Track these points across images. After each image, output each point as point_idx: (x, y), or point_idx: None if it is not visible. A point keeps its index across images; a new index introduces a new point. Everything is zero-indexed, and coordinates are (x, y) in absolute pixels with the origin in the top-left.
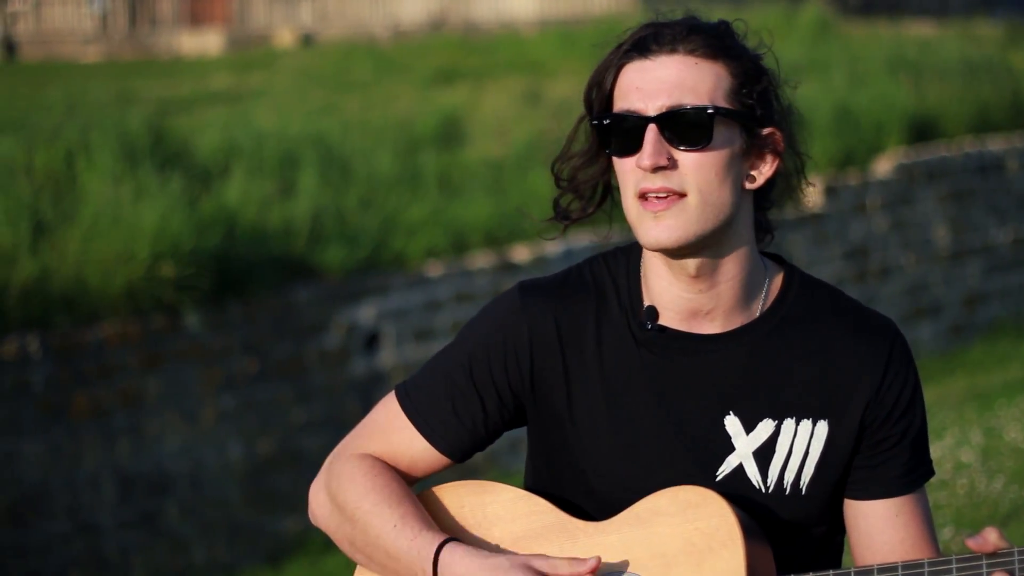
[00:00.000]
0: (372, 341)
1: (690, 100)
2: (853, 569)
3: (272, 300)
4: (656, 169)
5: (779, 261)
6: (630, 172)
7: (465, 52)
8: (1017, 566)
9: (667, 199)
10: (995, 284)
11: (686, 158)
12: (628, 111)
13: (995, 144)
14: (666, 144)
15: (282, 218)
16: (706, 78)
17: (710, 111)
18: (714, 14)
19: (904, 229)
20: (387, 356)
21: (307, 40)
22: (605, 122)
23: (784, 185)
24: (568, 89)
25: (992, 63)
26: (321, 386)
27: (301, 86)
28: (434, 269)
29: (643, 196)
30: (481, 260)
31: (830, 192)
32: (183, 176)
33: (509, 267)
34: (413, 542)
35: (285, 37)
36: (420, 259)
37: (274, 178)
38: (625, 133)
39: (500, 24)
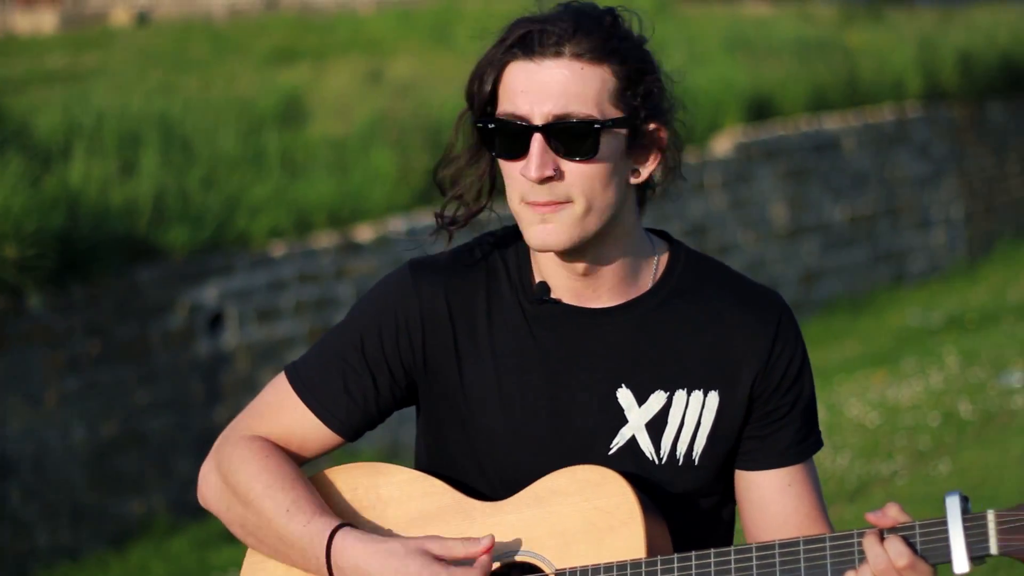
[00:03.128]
0: (216, 322)
1: (577, 109)
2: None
3: (115, 281)
4: (542, 180)
5: (666, 238)
6: (515, 176)
7: (302, 31)
8: (919, 539)
9: (553, 206)
10: (831, 261)
11: (572, 168)
12: (514, 117)
13: (831, 123)
14: (552, 153)
15: (124, 198)
16: (592, 84)
17: (596, 125)
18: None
19: (742, 207)
20: (231, 337)
21: (143, 19)
22: (490, 126)
23: (663, 176)
24: (408, 68)
25: (828, 42)
26: (165, 367)
27: (139, 65)
28: (277, 249)
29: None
30: (324, 240)
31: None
32: (22, 156)
33: (353, 247)
34: (306, 527)
35: (120, 16)
36: (263, 239)
37: (115, 158)
38: (510, 138)
39: (336, 3)
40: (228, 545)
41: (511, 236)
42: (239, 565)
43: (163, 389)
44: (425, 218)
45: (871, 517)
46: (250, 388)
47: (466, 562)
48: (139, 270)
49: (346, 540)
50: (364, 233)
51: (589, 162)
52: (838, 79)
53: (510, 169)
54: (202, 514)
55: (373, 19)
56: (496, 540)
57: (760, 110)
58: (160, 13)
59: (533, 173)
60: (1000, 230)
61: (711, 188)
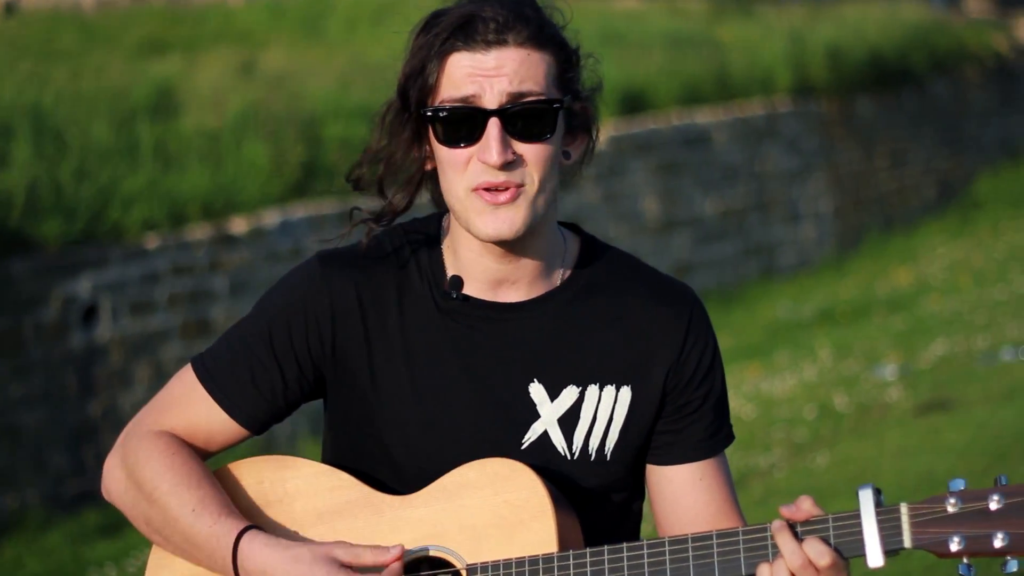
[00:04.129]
0: (89, 314)
1: (531, 91)
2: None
3: None
4: (502, 165)
5: (576, 230)
6: (462, 163)
7: (173, 22)
8: (832, 533)
9: (508, 193)
10: (702, 255)
11: (528, 150)
12: (466, 102)
13: (702, 117)
14: (509, 137)
15: None
16: (539, 68)
17: (556, 104)
18: None
19: (615, 200)
20: (104, 329)
21: (10, 9)
22: (441, 113)
23: (582, 157)
24: (280, 60)
25: (698, 37)
26: (38, 360)
27: (8, 56)
28: (151, 241)
29: (478, 188)
30: (198, 232)
31: None
32: None
33: (227, 239)
34: (212, 528)
35: None
36: (137, 231)
37: None
38: (461, 124)
39: None
40: (104, 539)
41: (421, 228)
42: (115, 560)
43: (36, 382)
44: (299, 210)
45: (785, 511)
46: (124, 381)
47: (375, 569)
48: (12, 262)
49: (253, 543)
50: (238, 225)
51: (545, 143)
52: (709, 73)
53: (458, 156)
54: (77, 508)
55: (244, 10)
56: (405, 534)
57: (632, 104)
58: (28, 3)
59: (495, 157)
60: (868, 224)
61: (584, 181)
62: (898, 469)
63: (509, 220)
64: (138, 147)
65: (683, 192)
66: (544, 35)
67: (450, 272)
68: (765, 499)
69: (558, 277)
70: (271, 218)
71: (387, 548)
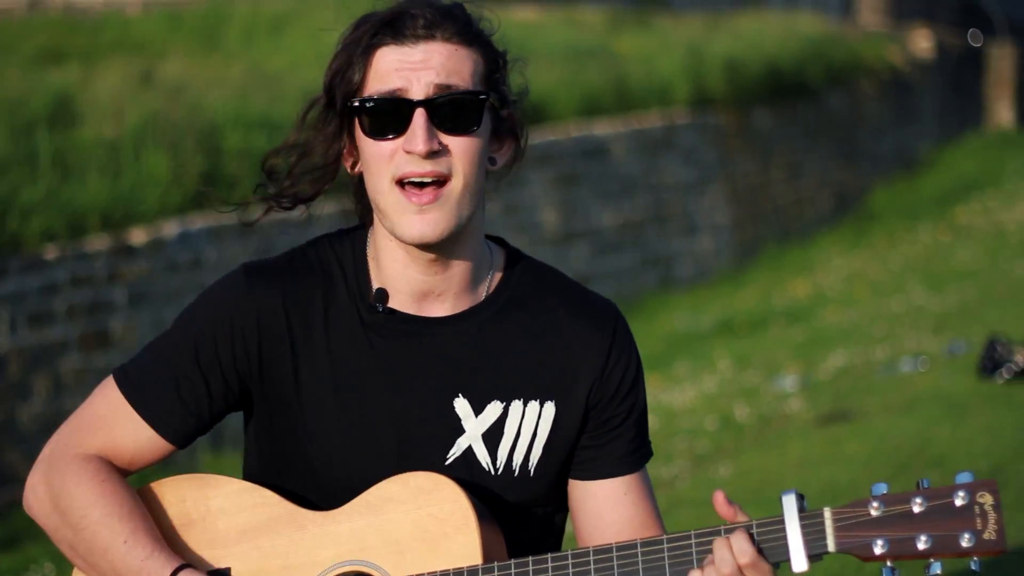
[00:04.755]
0: None
1: (457, 84)
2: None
3: None
4: (428, 155)
5: (501, 244)
6: (387, 156)
7: (69, 31)
8: (756, 539)
9: (433, 192)
10: (601, 266)
11: (454, 142)
12: (392, 95)
13: (601, 128)
14: (435, 128)
15: None
16: (466, 64)
17: (482, 96)
18: (324, 3)
19: (514, 212)
20: (2, 341)
21: None
22: (368, 105)
23: (509, 164)
24: (179, 70)
25: (596, 48)
26: None
27: None
28: (50, 252)
29: (401, 184)
30: (98, 243)
31: None
32: None
33: (126, 250)
34: (144, 563)
35: None
36: (36, 242)
37: None
38: (387, 116)
39: (103, 3)
40: (1, 553)
41: (347, 241)
42: (14, 574)
43: None
44: (199, 221)
45: (722, 511)
46: (22, 393)
47: None
48: None
49: None
50: (138, 236)
51: (470, 136)
52: (607, 85)
53: (383, 149)
54: None
55: (141, 20)
56: (329, 550)
57: (532, 115)
58: None
59: (421, 146)
60: (765, 236)
61: (484, 192)
62: (801, 480)
63: (433, 221)
64: (36, 157)
65: (581, 203)
66: (471, 33)
67: (375, 285)
68: (668, 510)
69: (483, 291)
70: (170, 229)
71: None
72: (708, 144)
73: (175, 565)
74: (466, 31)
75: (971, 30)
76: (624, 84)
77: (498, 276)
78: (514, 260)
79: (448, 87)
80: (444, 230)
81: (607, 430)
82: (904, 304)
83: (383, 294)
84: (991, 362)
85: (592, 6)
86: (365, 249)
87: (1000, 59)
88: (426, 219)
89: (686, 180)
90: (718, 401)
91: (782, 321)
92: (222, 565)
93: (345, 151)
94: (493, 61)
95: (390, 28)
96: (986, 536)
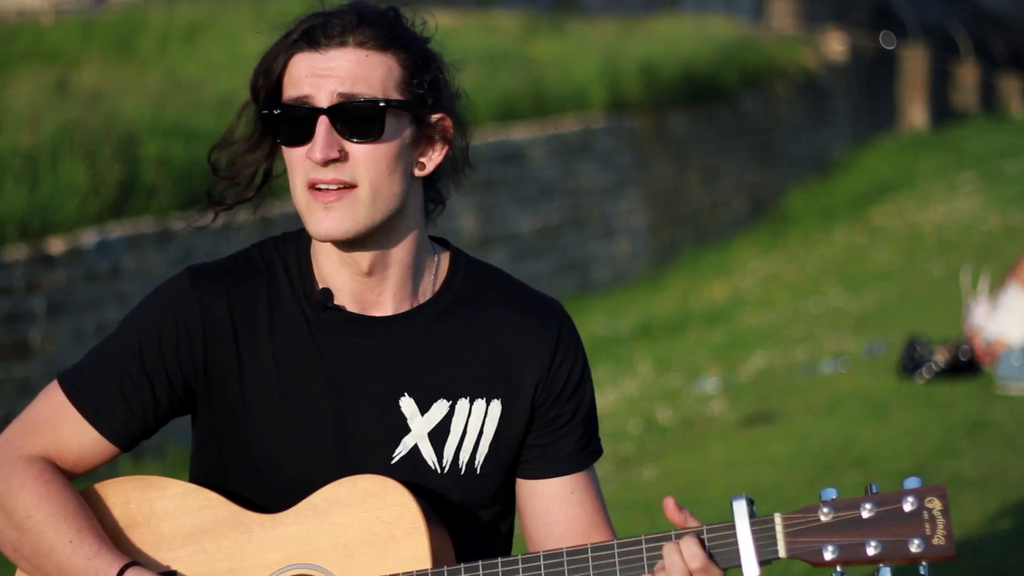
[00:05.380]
0: None
1: (362, 92)
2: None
3: None
4: (328, 162)
5: (445, 244)
6: (300, 162)
7: None
8: (707, 544)
9: (338, 190)
10: (520, 271)
11: (357, 150)
12: (299, 102)
13: (517, 133)
14: (337, 136)
15: None
16: (377, 70)
17: (381, 104)
18: (235, 3)
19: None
20: None
21: None
22: (276, 112)
23: (450, 168)
24: (94, 78)
25: (512, 53)
26: None
27: None
28: None
29: (313, 186)
30: (15, 252)
31: None
32: None
33: (45, 259)
34: (90, 562)
35: None
36: None
37: None
38: (295, 123)
39: (15, 12)
40: None
41: (291, 243)
42: None
43: None
44: (118, 229)
45: (673, 517)
46: None
47: None
48: None
49: None
50: (56, 246)
51: (374, 144)
52: (523, 90)
53: (295, 155)
54: None
55: (55, 28)
56: (276, 553)
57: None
58: None
59: (318, 154)
60: (682, 239)
61: None
62: (725, 482)
63: (338, 220)
64: None
65: (499, 208)
66: (389, 38)
67: (319, 285)
68: None
69: (427, 291)
70: (89, 238)
71: None
72: (624, 148)
73: (122, 563)
74: (383, 36)
75: (883, 32)
76: (540, 89)
77: (442, 276)
78: (458, 260)
79: (352, 95)
80: (350, 229)
81: (554, 428)
82: (822, 305)
83: (327, 294)
84: (911, 362)
85: (507, 11)
86: (309, 251)
87: (912, 61)
88: (331, 216)
89: (603, 184)
90: (640, 404)
91: (701, 324)
92: (168, 568)
93: (276, 154)
94: (414, 65)
95: (308, 35)
96: (935, 541)
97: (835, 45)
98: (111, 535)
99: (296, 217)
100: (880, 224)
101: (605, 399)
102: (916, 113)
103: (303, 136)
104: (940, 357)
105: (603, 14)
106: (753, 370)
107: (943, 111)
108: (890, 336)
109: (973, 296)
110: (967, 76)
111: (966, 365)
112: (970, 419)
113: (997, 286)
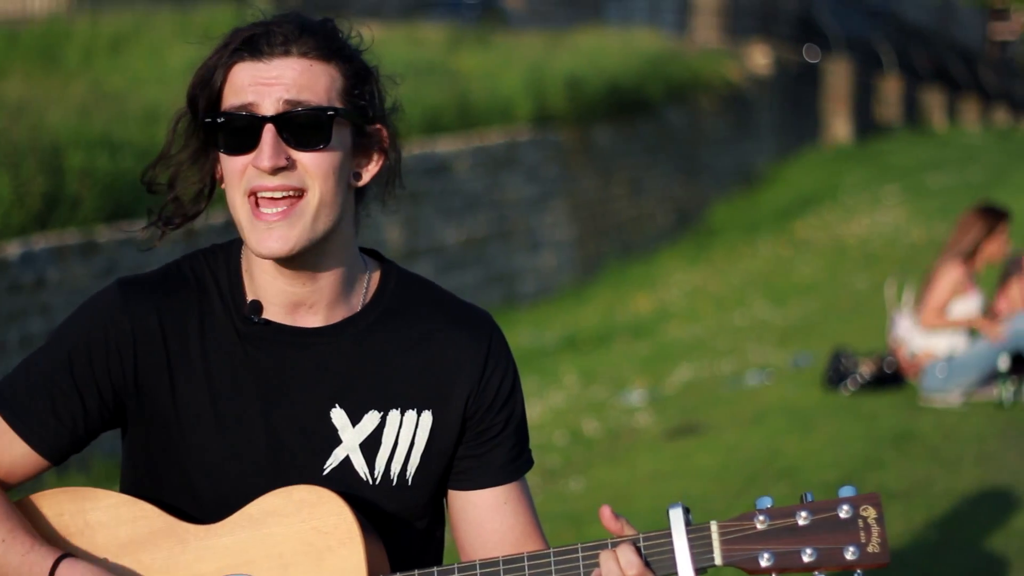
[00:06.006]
0: None
1: (308, 100)
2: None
3: None
4: (275, 170)
5: (376, 256)
6: (241, 171)
7: None
8: (643, 552)
9: (283, 211)
10: (446, 283)
11: (304, 158)
12: (244, 110)
13: (443, 146)
14: (283, 144)
15: None
16: (321, 79)
17: (329, 112)
18: (160, 15)
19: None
20: None
21: None
22: (219, 120)
23: (381, 181)
24: (19, 89)
25: (438, 66)
26: None
27: None
28: None
29: (253, 196)
30: None
31: None
32: None
33: None
34: (25, 557)
35: None
36: None
37: None
38: (239, 132)
39: None
40: None
41: (221, 255)
42: None
43: None
44: (42, 241)
45: (609, 526)
46: None
47: None
48: None
49: (73, 569)
50: None
51: (321, 151)
52: (450, 103)
53: (236, 164)
54: None
55: None
56: (211, 564)
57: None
58: None
59: (266, 162)
60: (607, 251)
61: None
62: (652, 493)
63: (283, 238)
64: None
65: (425, 221)
66: (331, 49)
67: (249, 297)
68: None
69: (359, 302)
70: (13, 249)
71: None
72: (550, 161)
73: (55, 556)
74: (325, 46)
75: (807, 46)
76: (466, 101)
77: (373, 287)
78: (389, 272)
79: (298, 103)
80: (295, 245)
81: (485, 440)
82: (747, 318)
83: (257, 306)
84: (836, 374)
85: (433, 23)
86: (240, 262)
87: (836, 74)
88: (274, 236)
89: (529, 197)
90: (567, 416)
91: (627, 336)
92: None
93: (217, 165)
94: (355, 76)
95: (249, 44)
96: (870, 549)
97: (759, 58)
98: None
99: (221, 229)
100: (804, 237)
101: (531, 411)
102: (840, 126)
103: (247, 145)
104: (865, 369)
105: (528, 27)
106: (679, 382)
107: (867, 124)
108: (815, 348)
109: (898, 309)
110: (890, 89)
111: (891, 377)
112: (895, 431)
113: (921, 299)
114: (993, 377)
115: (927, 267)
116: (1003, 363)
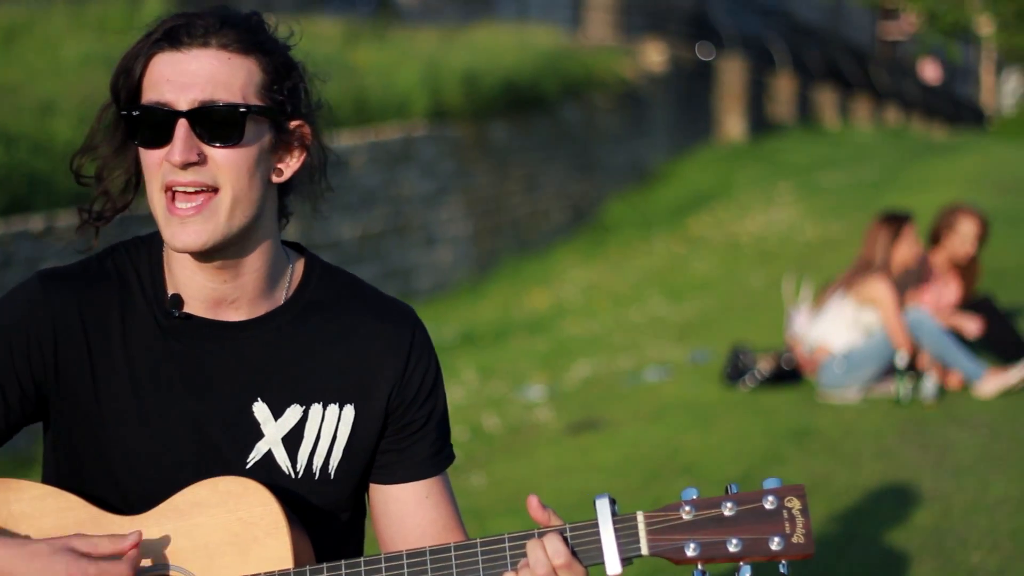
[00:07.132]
0: None
1: (222, 96)
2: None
3: None
4: (186, 165)
5: (299, 250)
6: (157, 165)
7: None
8: (570, 542)
9: (197, 205)
10: None
11: (217, 154)
12: (158, 103)
13: (340, 141)
14: (197, 140)
15: None
16: (238, 73)
17: (242, 109)
18: (54, 7)
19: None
20: None
21: None
22: (134, 113)
23: (306, 177)
24: None
25: (334, 60)
26: None
27: None
28: None
29: (170, 191)
30: None
31: None
32: None
33: None
34: None
35: None
36: None
37: None
38: (154, 126)
39: None
40: None
41: (143, 248)
42: None
43: None
44: None
45: (537, 516)
46: None
47: (114, 557)
48: None
49: None
50: None
51: (234, 148)
52: (345, 97)
53: (152, 158)
54: None
55: None
56: (138, 555)
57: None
58: None
59: (177, 157)
60: (503, 247)
61: None
62: (554, 488)
63: (195, 233)
64: None
65: (322, 216)
66: (252, 43)
67: (170, 291)
68: None
69: (281, 296)
70: None
71: (124, 536)
72: (446, 157)
73: None
74: (246, 39)
75: (700, 43)
76: (362, 97)
77: (296, 281)
78: (312, 265)
79: (212, 99)
80: (208, 240)
81: (408, 434)
82: (644, 314)
83: (177, 299)
84: (735, 370)
85: (327, 17)
86: (161, 256)
87: (730, 72)
88: (188, 231)
89: (424, 192)
90: (466, 411)
91: (524, 332)
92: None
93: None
94: (275, 71)
95: (169, 36)
96: (795, 540)
97: (653, 55)
98: None
99: (130, 223)
100: (699, 234)
101: None
102: (733, 124)
103: (161, 139)
104: (763, 365)
105: (422, 22)
106: (577, 378)
107: (760, 122)
108: (713, 345)
109: (795, 305)
110: (783, 88)
111: (789, 373)
112: (794, 427)
113: (818, 296)
114: (889, 372)
115: (840, 272)
116: (900, 360)
